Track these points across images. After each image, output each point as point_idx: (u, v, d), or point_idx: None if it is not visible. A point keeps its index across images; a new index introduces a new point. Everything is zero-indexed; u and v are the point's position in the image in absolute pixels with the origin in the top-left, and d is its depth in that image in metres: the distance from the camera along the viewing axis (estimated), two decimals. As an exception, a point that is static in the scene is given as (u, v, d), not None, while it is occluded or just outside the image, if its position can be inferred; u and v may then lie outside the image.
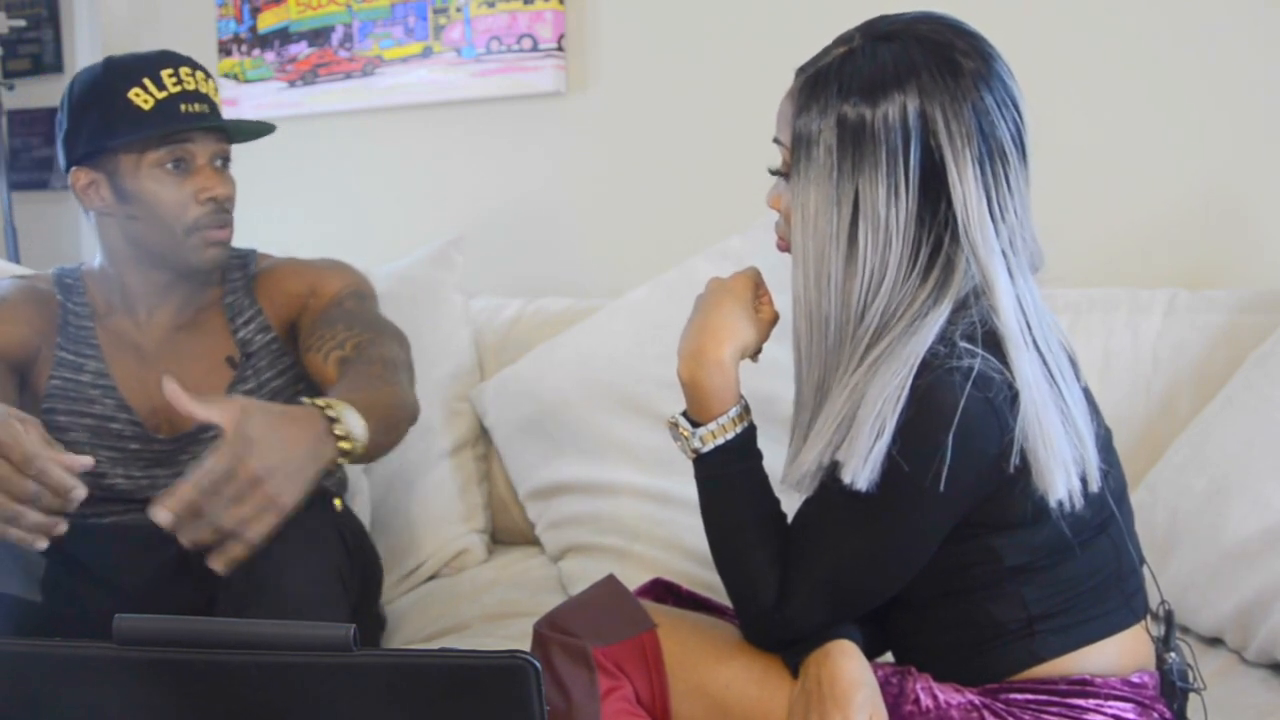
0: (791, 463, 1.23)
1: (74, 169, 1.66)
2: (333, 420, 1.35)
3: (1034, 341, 1.15)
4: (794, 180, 1.19)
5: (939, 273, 1.16)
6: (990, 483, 1.14)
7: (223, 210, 1.67)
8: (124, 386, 1.71)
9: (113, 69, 1.65)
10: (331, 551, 1.52)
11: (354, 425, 1.37)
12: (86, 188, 1.66)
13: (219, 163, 1.68)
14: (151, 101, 1.62)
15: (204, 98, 1.66)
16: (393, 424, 1.51)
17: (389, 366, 1.60)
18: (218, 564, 1.26)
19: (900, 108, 1.13)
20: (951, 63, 1.14)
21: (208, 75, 1.69)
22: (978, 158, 1.13)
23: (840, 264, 1.16)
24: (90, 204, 1.67)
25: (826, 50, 1.20)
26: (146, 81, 1.62)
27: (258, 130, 1.72)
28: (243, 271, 1.80)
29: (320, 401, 1.37)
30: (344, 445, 1.35)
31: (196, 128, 1.64)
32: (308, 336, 1.71)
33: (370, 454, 1.44)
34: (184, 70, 1.65)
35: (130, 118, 1.62)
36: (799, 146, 1.18)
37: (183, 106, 1.63)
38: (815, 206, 1.17)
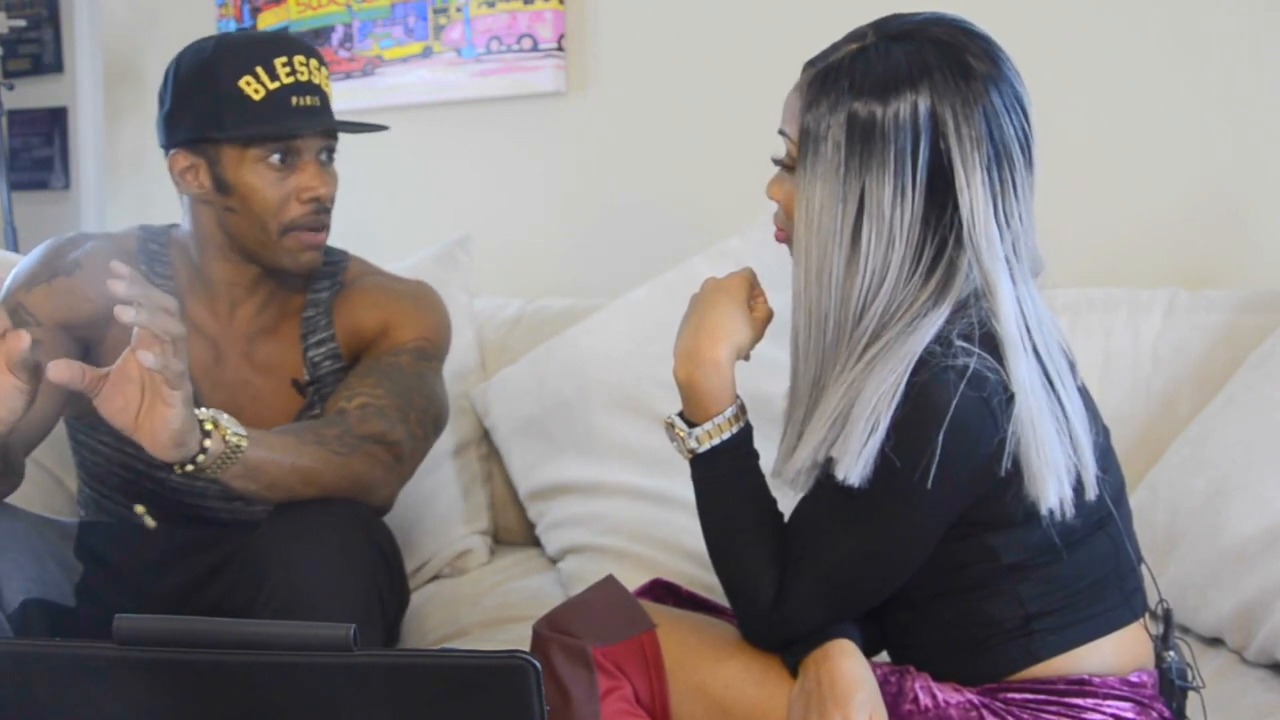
0: (785, 459, 1.23)
1: (173, 152, 1.57)
2: (206, 433, 1.31)
3: (1033, 347, 1.15)
4: (799, 175, 1.18)
5: (941, 275, 1.16)
6: (982, 483, 1.14)
7: (323, 210, 1.58)
8: (195, 377, 1.59)
9: (224, 51, 1.54)
10: (374, 571, 1.48)
11: (216, 447, 1.31)
12: (185, 172, 1.56)
13: (324, 156, 1.59)
14: (263, 92, 1.51)
15: (315, 89, 1.56)
16: (285, 485, 1.43)
17: (359, 440, 1.50)
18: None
19: (911, 107, 1.13)
20: (964, 65, 1.14)
21: (321, 63, 1.58)
22: (986, 162, 1.13)
23: (842, 262, 1.16)
24: (187, 189, 1.58)
25: (837, 46, 1.19)
26: (259, 70, 1.52)
27: (369, 129, 1.63)
28: (330, 281, 1.71)
29: (209, 414, 1.33)
30: (200, 459, 1.31)
31: (307, 131, 1.54)
32: (348, 376, 1.64)
33: (244, 490, 1.39)
34: (298, 59, 1.54)
35: (239, 108, 1.51)
36: (806, 141, 1.17)
37: (294, 100, 1.53)
38: (820, 203, 1.16)
